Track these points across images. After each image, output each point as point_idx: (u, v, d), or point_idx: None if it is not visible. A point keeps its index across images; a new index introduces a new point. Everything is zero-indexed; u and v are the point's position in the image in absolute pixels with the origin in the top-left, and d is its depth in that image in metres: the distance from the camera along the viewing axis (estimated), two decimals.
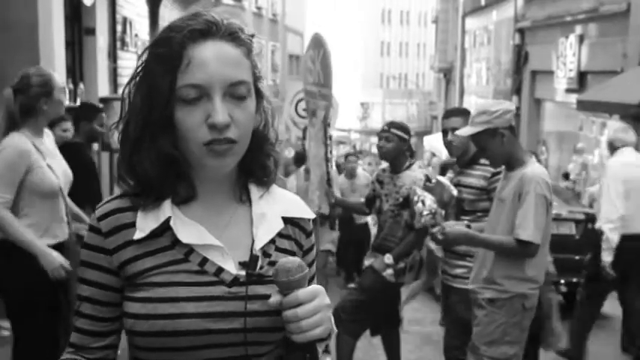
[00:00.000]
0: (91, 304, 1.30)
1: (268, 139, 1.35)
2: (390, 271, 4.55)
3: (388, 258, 4.54)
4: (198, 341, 1.23)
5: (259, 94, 1.31)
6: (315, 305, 1.20)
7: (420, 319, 7.28)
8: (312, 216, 1.42)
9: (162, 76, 1.22)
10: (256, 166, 1.35)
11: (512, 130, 3.56)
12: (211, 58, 1.21)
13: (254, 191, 1.36)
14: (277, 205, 1.37)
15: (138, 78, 1.27)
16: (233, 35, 1.25)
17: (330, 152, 5.15)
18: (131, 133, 1.27)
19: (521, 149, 3.68)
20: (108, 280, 1.28)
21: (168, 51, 1.22)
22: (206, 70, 1.21)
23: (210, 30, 1.23)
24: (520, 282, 3.50)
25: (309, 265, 1.39)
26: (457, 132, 3.92)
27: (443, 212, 4.37)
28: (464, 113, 4.25)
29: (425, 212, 4.32)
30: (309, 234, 1.42)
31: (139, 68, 1.27)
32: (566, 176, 12.05)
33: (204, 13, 1.25)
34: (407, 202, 4.51)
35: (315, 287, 1.22)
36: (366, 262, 4.76)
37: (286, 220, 1.37)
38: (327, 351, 1.31)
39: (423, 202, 4.36)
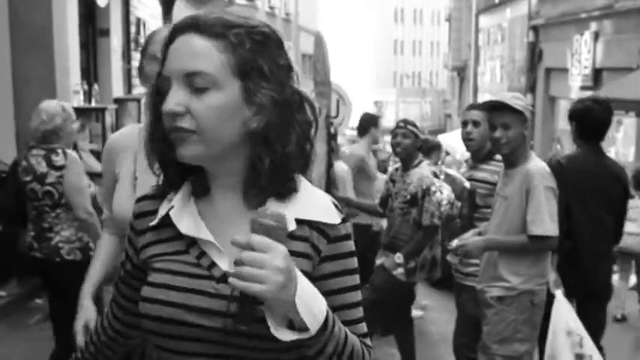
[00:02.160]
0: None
1: (274, 141, 1.25)
2: (400, 270, 4.54)
3: (399, 257, 4.52)
4: (180, 331, 1.24)
5: (251, 93, 1.23)
6: (263, 258, 1.11)
7: (435, 318, 7.27)
8: (337, 221, 1.31)
9: (154, 73, 1.33)
10: (273, 181, 1.26)
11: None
12: (174, 50, 1.24)
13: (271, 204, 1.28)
14: (293, 207, 1.28)
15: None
16: (207, 27, 1.22)
17: (333, 150, 5.09)
18: (147, 134, 1.33)
19: (527, 147, 3.65)
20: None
21: (159, 51, 1.31)
22: (169, 60, 1.24)
23: (189, 25, 1.24)
24: (527, 278, 3.48)
25: (332, 276, 1.30)
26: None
27: (459, 204, 4.36)
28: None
29: (444, 202, 4.32)
30: (332, 240, 1.30)
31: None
32: None
33: (196, 13, 1.27)
34: (415, 200, 4.49)
35: (272, 243, 1.12)
36: (377, 261, 4.75)
37: (302, 222, 1.28)
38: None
39: (441, 192, 4.35)
